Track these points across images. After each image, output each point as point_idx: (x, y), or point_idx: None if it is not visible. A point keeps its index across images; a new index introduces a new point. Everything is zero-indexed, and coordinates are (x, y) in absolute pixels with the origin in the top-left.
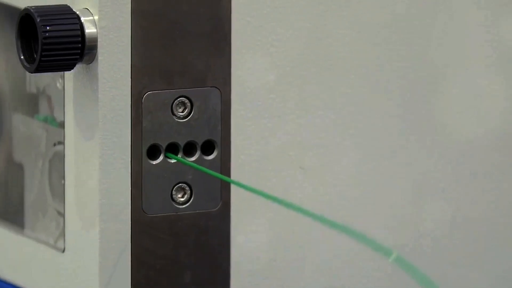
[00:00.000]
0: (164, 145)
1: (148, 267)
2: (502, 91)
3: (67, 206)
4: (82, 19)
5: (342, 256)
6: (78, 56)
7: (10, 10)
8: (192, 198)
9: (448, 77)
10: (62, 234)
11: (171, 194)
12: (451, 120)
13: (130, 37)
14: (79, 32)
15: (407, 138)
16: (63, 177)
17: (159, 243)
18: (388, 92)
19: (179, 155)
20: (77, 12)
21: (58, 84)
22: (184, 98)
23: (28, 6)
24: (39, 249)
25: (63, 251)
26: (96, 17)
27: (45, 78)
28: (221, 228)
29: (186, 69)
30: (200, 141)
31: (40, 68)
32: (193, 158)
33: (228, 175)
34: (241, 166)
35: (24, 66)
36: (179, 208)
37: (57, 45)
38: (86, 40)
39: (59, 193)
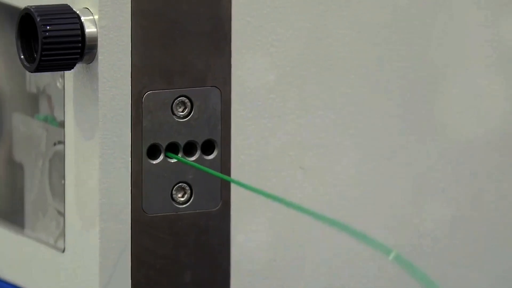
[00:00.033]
0: (164, 144)
1: (148, 266)
2: (502, 91)
3: (67, 205)
4: (82, 18)
5: (342, 255)
6: (78, 56)
7: (10, 9)
8: (192, 198)
9: (448, 77)
10: (62, 233)
11: (171, 194)
12: (451, 120)
13: (130, 36)
14: (79, 32)
15: (407, 138)
16: (63, 177)
17: (159, 243)
18: (388, 92)
19: (179, 155)
20: (77, 12)
21: (58, 84)
22: (184, 98)
23: (28, 6)
24: (39, 249)
25: (63, 251)
26: (96, 17)
27: (45, 78)
28: (221, 227)
29: (186, 69)
30: (200, 140)
31: (40, 67)
32: (193, 158)
33: (228, 174)
34: (241, 166)
35: (24, 66)
36: (179, 207)
37: (57, 45)
38: (86, 39)
39: (59, 193)
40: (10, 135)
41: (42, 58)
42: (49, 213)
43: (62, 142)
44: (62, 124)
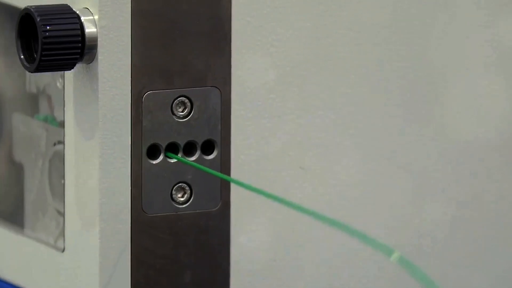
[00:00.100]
0: (164, 144)
1: (148, 266)
2: (502, 91)
3: (67, 205)
4: (82, 18)
5: (342, 255)
6: (78, 56)
7: (10, 9)
8: (192, 198)
9: (448, 77)
10: (62, 233)
11: (171, 194)
12: (451, 120)
13: (130, 36)
14: (79, 32)
15: (407, 138)
16: (63, 177)
17: (159, 243)
18: (388, 92)
19: (179, 155)
20: (77, 12)
21: (58, 84)
22: (184, 98)
23: (28, 6)
24: (39, 248)
25: (63, 250)
26: (96, 17)
27: (45, 78)
28: (221, 227)
29: (186, 69)
30: (200, 141)
31: (40, 67)
32: (193, 158)
33: (228, 175)
34: (241, 166)
35: (24, 66)
36: (179, 207)
37: (57, 45)
38: (86, 39)
39: (59, 193)
40: (10, 135)
41: (42, 58)
42: (49, 213)
43: (62, 142)
44: (62, 124)
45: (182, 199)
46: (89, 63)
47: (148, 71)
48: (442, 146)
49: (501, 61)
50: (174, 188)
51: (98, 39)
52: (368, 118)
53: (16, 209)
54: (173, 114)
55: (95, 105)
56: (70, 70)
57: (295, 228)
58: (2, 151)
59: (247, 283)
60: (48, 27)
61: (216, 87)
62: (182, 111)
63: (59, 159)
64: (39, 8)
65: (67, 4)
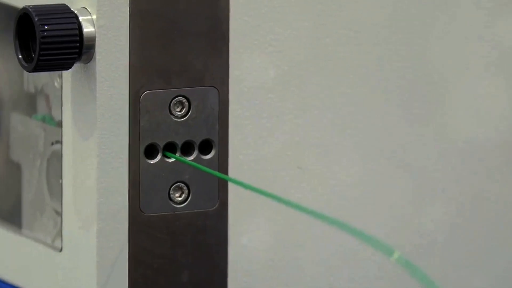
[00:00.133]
0: (161, 144)
1: (146, 266)
2: (502, 91)
3: (64, 205)
4: (80, 18)
5: (341, 255)
6: (76, 55)
7: (8, 9)
8: (189, 198)
9: (448, 77)
10: (60, 233)
11: (169, 194)
12: (451, 120)
13: (128, 36)
14: (77, 32)
15: (407, 138)
16: (61, 177)
17: (156, 243)
18: (388, 92)
19: (177, 155)
20: (75, 11)
21: (56, 84)
22: (182, 98)
23: (26, 6)
24: (37, 248)
25: (61, 250)
26: (94, 16)
27: (43, 78)
28: (218, 227)
29: (184, 69)
30: (198, 140)
31: (38, 67)
32: (191, 158)
33: (226, 174)
34: (239, 166)
35: (22, 66)
36: (176, 207)
37: (55, 44)
38: (84, 39)
39: (57, 193)
40: (7, 135)
41: (40, 58)
42: (47, 212)
43: (59, 141)
44: (59, 124)
45: (179, 198)
46: (87, 62)
47: (146, 71)
48: (442, 146)
49: (501, 61)
50: (172, 187)
51: (96, 39)
52: (368, 118)
53: (14, 208)
54: (171, 113)
55: (93, 104)
56: (68, 69)
57: (293, 228)
58: (0, 151)
59: (245, 283)
60: (46, 27)
61: (214, 86)
62: (180, 111)
63: (57, 158)
64: (37, 8)
65: (65, 4)
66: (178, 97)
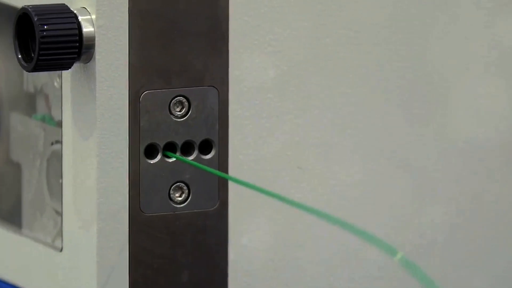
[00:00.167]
0: (161, 144)
1: (146, 266)
2: (502, 91)
3: (64, 205)
4: (80, 18)
5: (341, 256)
6: (75, 55)
7: (8, 9)
8: (189, 198)
9: (448, 77)
10: (60, 233)
11: (169, 194)
12: (451, 120)
13: (127, 36)
14: (76, 31)
15: (407, 138)
16: (61, 176)
17: (156, 242)
18: (388, 92)
19: (177, 154)
20: (75, 11)
21: (55, 83)
22: (182, 98)
23: (25, 5)
24: (37, 248)
25: (61, 250)
26: (93, 16)
27: (43, 77)
28: (218, 227)
29: (183, 68)
30: (197, 140)
31: (38, 67)
32: (191, 158)
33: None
34: (239, 166)
35: (21, 65)
36: (176, 207)
37: (55, 44)
38: (84, 39)
39: (57, 192)
40: (7, 135)
41: (40, 58)
42: (47, 212)
43: (59, 141)
44: (59, 124)
45: (180, 198)
46: (87, 62)
47: (145, 71)
48: (442, 146)
49: (501, 61)
50: (172, 187)
51: (96, 39)
52: (368, 118)
53: (14, 208)
54: (171, 113)
55: (93, 104)
56: (68, 69)
57: (294, 228)
58: (0, 151)
59: (245, 283)
60: (45, 27)
61: (214, 86)
62: (180, 111)
63: (56, 158)
64: (37, 8)
65: (64, 4)
66: (178, 97)
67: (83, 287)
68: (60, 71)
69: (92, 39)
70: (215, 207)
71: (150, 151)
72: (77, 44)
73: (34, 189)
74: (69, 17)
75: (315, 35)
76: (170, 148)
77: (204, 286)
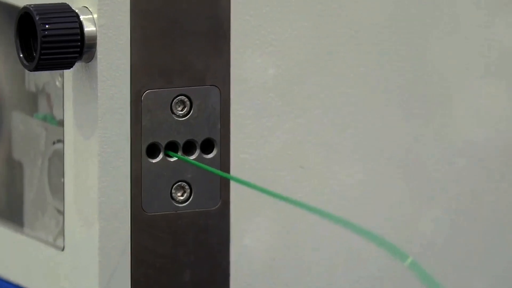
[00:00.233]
0: (163, 143)
1: (148, 265)
2: (502, 91)
3: (66, 204)
4: (81, 17)
5: (343, 256)
6: (77, 55)
7: (9, 8)
8: (191, 197)
9: (448, 77)
10: (62, 232)
11: (171, 193)
12: (451, 120)
13: (129, 35)
14: (78, 31)
15: (407, 138)
16: (63, 176)
17: (158, 242)
18: (388, 92)
19: (179, 154)
20: (76, 11)
21: (57, 83)
22: (184, 97)
23: (27, 5)
24: (39, 247)
25: (63, 249)
26: (95, 16)
27: (44, 77)
28: (220, 226)
29: (185, 68)
30: (199, 139)
31: (39, 66)
32: (192, 157)
33: (228, 173)
34: (240, 165)
35: (23, 65)
36: (178, 206)
37: (56, 44)
38: (85, 38)
39: (59, 192)
40: (9, 134)
41: (41, 57)
42: (49, 211)
43: (61, 141)
44: (61, 123)
45: (181, 198)
46: (88, 62)
47: (147, 70)
48: (442, 146)
49: (501, 61)
50: (174, 187)
51: (97, 38)
52: (368, 118)
53: (16, 208)
54: (173, 113)
55: (94, 103)
56: (69, 69)
57: (295, 227)
58: (2, 150)
59: (247, 283)
60: (47, 26)
61: (215, 86)
62: (182, 110)
63: (58, 158)
64: (38, 7)
65: (66, 3)
66: (180, 96)
67: (85, 286)
68: (62, 71)
69: (93, 39)
70: (217, 207)
71: (152, 151)
72: (79, 44)
73: (35, 188)
74: (70, 17)
75: (316, 35)
76: (171, 147)
77: (206, 285)
